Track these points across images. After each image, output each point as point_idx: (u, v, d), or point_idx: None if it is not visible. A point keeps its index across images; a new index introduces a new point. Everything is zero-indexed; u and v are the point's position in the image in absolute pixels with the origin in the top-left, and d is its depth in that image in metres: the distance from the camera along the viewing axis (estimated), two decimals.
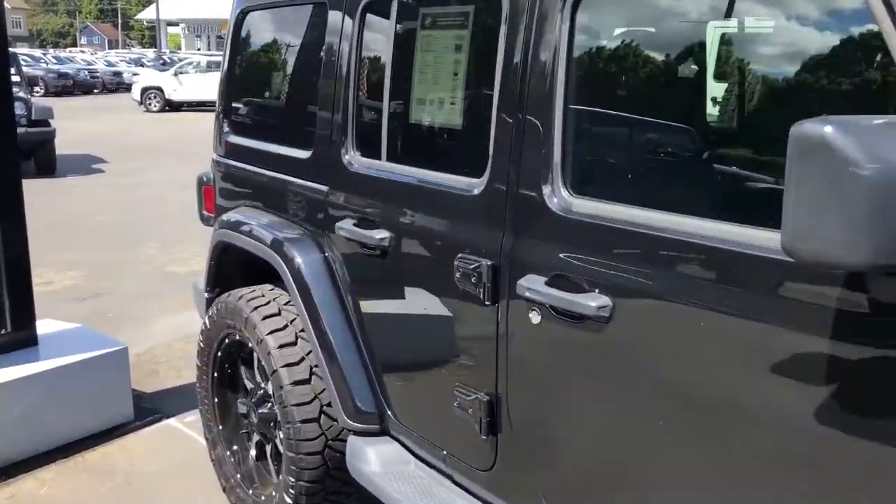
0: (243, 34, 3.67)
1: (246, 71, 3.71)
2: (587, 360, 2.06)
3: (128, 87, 33.29)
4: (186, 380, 5.07)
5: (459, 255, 2.35)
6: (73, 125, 18.98)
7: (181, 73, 27.78)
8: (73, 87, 34.35)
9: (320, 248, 3.04)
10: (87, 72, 36.93)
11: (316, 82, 3.06)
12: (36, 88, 31.15)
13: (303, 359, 3.05)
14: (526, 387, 2.25)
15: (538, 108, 2.12)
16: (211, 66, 28.19)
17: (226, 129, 3.71)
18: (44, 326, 4.48)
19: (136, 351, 5.49)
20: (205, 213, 3.94)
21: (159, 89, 27.22)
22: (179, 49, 60.92)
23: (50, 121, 13.40)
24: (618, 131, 2.17)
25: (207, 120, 19.85)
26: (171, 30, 67.97)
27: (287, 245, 3.10)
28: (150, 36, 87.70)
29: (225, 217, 3.54)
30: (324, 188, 3.00)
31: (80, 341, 4.37)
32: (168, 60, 42.07)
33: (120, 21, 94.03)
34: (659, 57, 2.06)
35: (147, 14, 69.42)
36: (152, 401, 4.76)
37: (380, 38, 2.81)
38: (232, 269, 3.69)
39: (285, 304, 3.22)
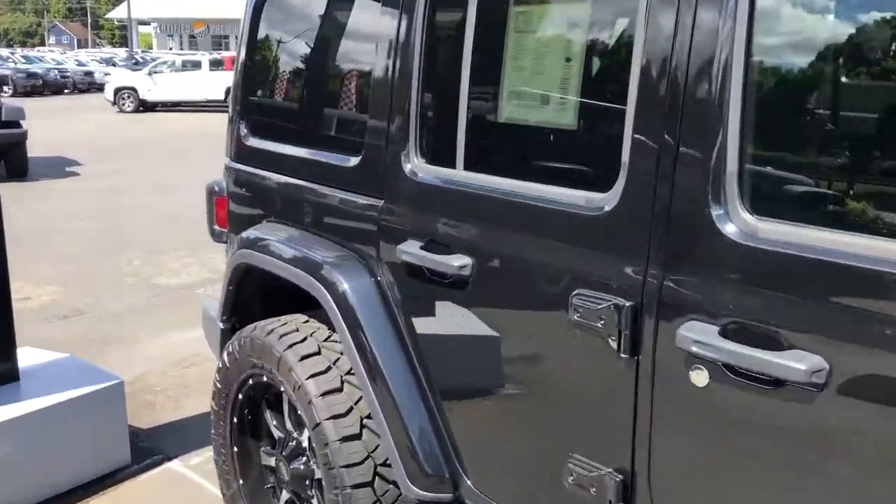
0: (264, 20, 3.11)
1: (269, 64, 3.15)
2: (786, 437, 1.55)
3: (99, 88, 32.47)
4: (187, 412, 4.53)
5: (578, 290, 1.83)
6: (45, 126, 18.21)
7: (156, 72, 26.99)
8: (42, 87, 33.36)
9: (371, 273, 2.51)
10: (57, 71, 35.89)
11: (365, 74, 2.53)
12: (4, 88, 30.26)
13: (351, 408, 2.52)
14: (680, 466, 1.73)
15: (702, 99, 1.60)
16: (186, 66, 27.53)
17: (243, 131, 3.16)
18: (25, 357, 3.90)
19: (128, 378, 4.89)
20: (216, 227, 3.39)
21: (133, 89, 26.39)
22: (151, 49, 59.88)
23: (21, 122, 12.69)
24: (827, 130, 1.65)
25: (185, 120, 19.37)
26: (142, 29, 66.76)
27: (329, 269, 2.56)
28: (120, 35, 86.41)
29: (246, 234, 2.99)
30: (377, 202, 2.47)
31: (69, 375, 3.80)
32: (140, 60, 41.21)
33: (89, 20, 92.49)
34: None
35: (118, 13, 68.07)
36: (150, 439, 4.19)
37: (454, 15, 2.27)
38: (252, 294, 3.15)
39: (325, 341, 2.69)
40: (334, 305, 2.51)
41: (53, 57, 44.12)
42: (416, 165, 2.34)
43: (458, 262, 2.15)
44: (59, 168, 13.86)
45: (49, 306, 6.40)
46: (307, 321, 2.81)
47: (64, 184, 12.49)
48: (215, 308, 3.45)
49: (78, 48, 75.33)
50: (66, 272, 7.33)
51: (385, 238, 2.44)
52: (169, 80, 26.65)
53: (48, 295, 6.68)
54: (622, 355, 1.75)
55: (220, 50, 50.94)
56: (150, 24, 63.90)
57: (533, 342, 2.04)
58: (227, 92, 25.88)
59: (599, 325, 1.78)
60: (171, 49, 56.73)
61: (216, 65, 27.27)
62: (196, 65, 27.43)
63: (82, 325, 5.99)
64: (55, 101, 30.67)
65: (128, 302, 6.53)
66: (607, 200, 1.79)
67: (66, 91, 35.23)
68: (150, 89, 26.32)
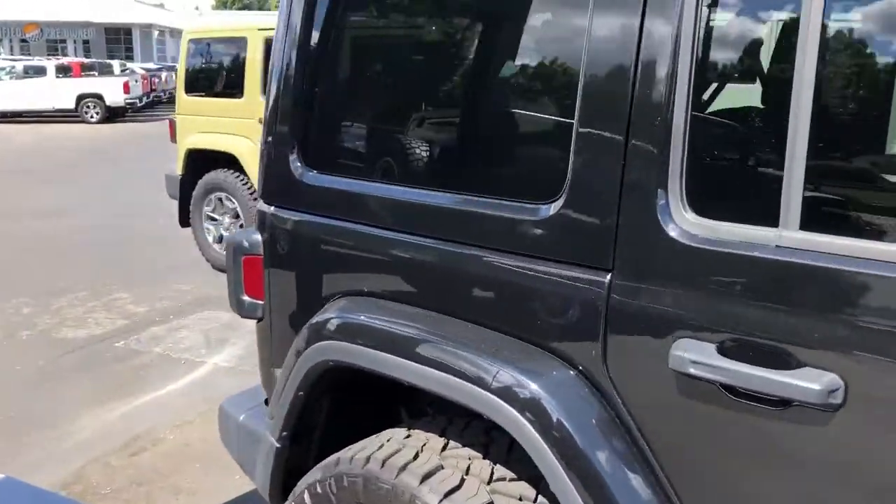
0: (341, 2, 2.14)
1: (355, 59, 2.14)
2: None
3: None
4: None
5: None
6: None
7: None
8: None
9: (591, 383, 1.64)
10: None
11: (565, 68, 1.65)
12: None
13: None
14: None
15: None
16: (29, 72, 25.08)
17: (296, 164, 2.19)
18: None
19: (62, 477, 3.81)
20: (247, 298, 2.39)
21: None
22: None
23: None
24: None
25: (31, 132, 17.33)
26: None
27: (514, 377, 1.67)
28: None
29: (324, 319, 2.03)
30: (599, 276, 1.59)
31: None
32: None
33: None
34: None
35: None
36: None
37: None
38: (318, 399, 2.20)
39: (491, 482, 1.80)
40: (537, 437, 1.62)
41: None
42: (688, 222, 1.48)
43: (818, 383, 1.31)
44: None
45: None
46: (445, 446, 1.91)
47: None
48: (244, 411, 2.48)
49: None
50: None
51: (621, 331, 1.58)
52: (9, 88, 24.14)
53: None
54: None
55: (57, 55, 47.50)
56: None
57: None
58: (79, 100, 24.11)
59: None
60: (0, 54, 52.48)
61: (63, 71, 25.01)
62: (40, 71, 25.04)
63: None
64: None
65: (31, 365, 5.26)
66: None
67: None
68: None
